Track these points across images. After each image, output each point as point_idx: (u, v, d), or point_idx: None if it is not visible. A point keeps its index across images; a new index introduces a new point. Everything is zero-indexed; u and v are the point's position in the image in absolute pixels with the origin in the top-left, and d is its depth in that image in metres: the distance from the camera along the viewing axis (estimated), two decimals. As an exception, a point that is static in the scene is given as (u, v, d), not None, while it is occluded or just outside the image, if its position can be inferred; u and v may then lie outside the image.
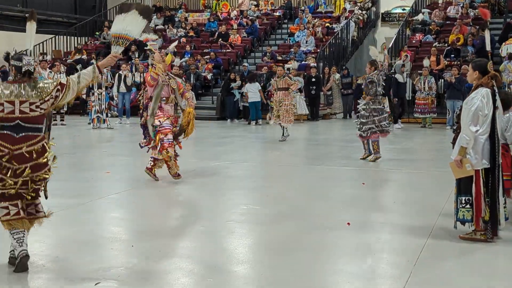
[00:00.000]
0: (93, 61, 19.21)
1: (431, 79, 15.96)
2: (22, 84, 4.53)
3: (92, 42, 23.60)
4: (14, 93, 4.48)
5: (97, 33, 24.15)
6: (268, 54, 20.37)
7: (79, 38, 23.84)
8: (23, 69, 4.56)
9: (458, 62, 17.21)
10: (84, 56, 21.19)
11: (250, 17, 23.22)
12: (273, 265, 4.82)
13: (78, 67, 20.43)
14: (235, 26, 22.46)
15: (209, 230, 5.91)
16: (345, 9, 22.78)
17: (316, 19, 22.46)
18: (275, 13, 24.06)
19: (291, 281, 4.45)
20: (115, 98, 17.00)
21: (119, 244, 5.37)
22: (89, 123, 15.85)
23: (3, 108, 4.47)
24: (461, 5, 20.72)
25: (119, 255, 5.09)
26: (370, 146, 9.98)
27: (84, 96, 17.76)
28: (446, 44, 18.63)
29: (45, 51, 21.91)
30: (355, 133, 10.24)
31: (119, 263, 4.82)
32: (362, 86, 10.56)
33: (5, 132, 4.50)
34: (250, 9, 24.29)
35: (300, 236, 5.65)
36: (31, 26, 4.85)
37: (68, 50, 23.18)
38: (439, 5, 21.64)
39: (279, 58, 20.20)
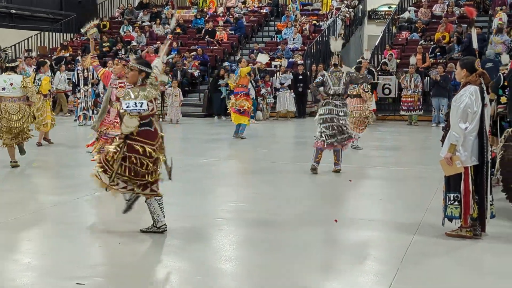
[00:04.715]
0: (79, 57, 19.09)
1: (417, 77, 16.06)
2: None
3: (78, 39, 23.41)
4: None
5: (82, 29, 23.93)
6: (255, 51, 20.32)
7: (64, 34, 23.64)
8: None
9: (444, 60, 17.34)
10: (67, 54, 20.97)
11: (237, 14, 23.17)
12: (261, 262, 4.82)
13: (62, 63, 20.24)
14: (221, 23, 22.41)
15: (197, 227, 5.90)
16: (332, 6, 22.82)
17: (303, 17, 22.50)
18: (262, 10, 24.05)
19: (278, 278, 4.46)
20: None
21: (106, 242, 5.35)
22: (75, 120, 15.76)
23: None
24: (447, 3, 20.85)
25: (107, 253, 5.07)
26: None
27: (70, 93, 17.66)
28: (432, 42, 18.74)
29: (30, 48, 21.71)
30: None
31: (107, 260, 4.80)
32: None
33: None
34: (237, 6, 24.25)
35: (288, 233, 5.66)
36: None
37: (54, 46, 22.99)
38: (423, 3, 21.73)
39: (266, 55, 20.21)
